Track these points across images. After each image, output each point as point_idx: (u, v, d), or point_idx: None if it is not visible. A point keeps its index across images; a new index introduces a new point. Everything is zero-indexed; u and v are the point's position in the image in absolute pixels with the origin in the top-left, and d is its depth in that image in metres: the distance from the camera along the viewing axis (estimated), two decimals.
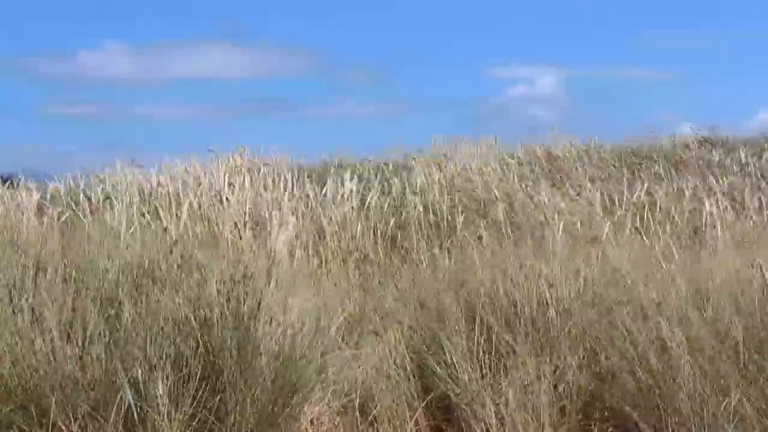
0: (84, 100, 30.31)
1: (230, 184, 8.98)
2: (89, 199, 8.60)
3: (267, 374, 4.67)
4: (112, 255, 5.41)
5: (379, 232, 8.52)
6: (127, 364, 4.58)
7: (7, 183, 9.64)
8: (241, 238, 6.53)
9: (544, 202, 8.83)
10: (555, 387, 4.82)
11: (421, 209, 9.10)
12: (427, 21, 28.21)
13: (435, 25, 28.63)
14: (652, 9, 28.05)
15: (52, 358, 4.65)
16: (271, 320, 4.80)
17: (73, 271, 5.29)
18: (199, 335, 4.75)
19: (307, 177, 10.48)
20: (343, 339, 5.39)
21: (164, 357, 4.57)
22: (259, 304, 4.80)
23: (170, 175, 10.25)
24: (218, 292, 4.83)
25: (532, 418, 4.65)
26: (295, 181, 9.76)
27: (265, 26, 29.64)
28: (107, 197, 8.70)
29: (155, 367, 4.52)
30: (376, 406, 5.00)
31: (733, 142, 13.76)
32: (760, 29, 25.78)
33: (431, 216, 8.93)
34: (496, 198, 9.50)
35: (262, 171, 10.53)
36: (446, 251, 7.37)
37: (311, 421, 4.90)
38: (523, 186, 9.99)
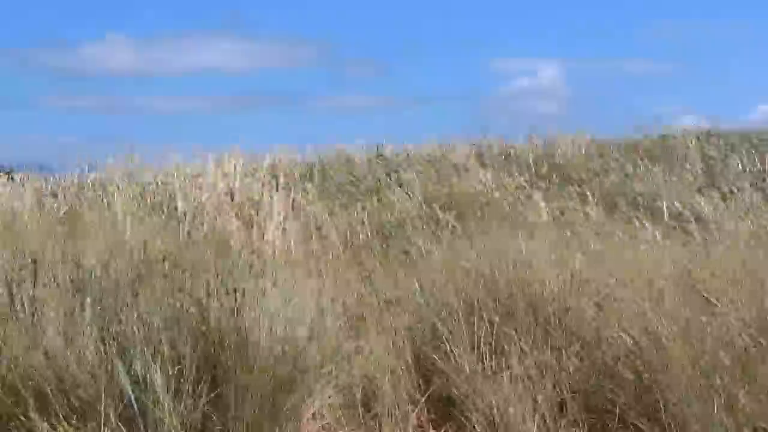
0: (86, 92, 30.33)
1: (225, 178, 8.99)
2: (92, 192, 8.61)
3: (265, 365, 4.69)
4: (112, 249, 5.42)
5: (372, 225, 8.55)
6: (125, 357, 4.60)
7: (8, 175, 9.63)
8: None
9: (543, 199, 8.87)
10: (555, 381, 4.84)
11: (417, 204, 9.14)
12: (430, 13, 28.24)
13: (437, 17, 28.65)
14: (655, 0, 28.11)
15: (51, 352, 4.67)
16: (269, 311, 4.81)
17: (73, 266, 5.31)
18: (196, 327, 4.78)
19: (307, 171, 10.52)
20: (343, 331, 5.40)
21: (162, 349, 4.59)
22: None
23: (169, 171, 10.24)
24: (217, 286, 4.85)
25: (532, 411, 4.67)
26: (293, 175, 9.79)
27: (267, 18, 29.66)
28: (106, 190, 8.71)
29: (153, 358, 4.53)
30: (378, 399, 5.02)
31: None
32: (762, 21, 25.85)
33: (426, 211, 8.96)
34: (494, 195, 9.55)
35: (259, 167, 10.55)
36: (441, 245, 7.40)
37: (313, 415, 4.91)
38: (522, 182, 10.03)
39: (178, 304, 4.81)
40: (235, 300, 4.75)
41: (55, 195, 8.62)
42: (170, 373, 4.47)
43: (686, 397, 4.36)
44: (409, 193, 9.77)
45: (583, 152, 12.33)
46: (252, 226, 7.67)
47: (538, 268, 5.57)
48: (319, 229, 8.24)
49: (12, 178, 9.68)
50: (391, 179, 10.80)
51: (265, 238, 7.32)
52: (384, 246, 8.15)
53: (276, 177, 9.65)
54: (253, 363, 4.63)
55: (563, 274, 5.51)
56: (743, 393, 4.25)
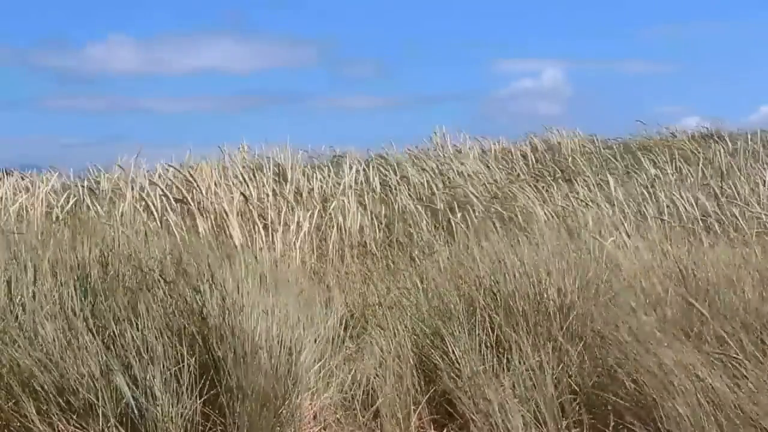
0: (89, 93, 30.39)
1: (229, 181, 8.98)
2: (93, 193, 8.61)
3: (263, 366, 4.69)
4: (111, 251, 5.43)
5: (377, 225, 8.54)
6: (124, 359, 4.60)
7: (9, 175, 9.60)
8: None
9: (543, 197, 8.86)
10: (557, 381, 4.84)
11: (420, 202, 9.14)
12: (431, 13, 28.27)
13: (439, 17, 28.67)
14: (657, 1, 28.13)
15: (50, 353, 4.68)
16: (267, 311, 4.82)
17: (74, 266, 5.31)
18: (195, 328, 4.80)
19: (308, 169, 10.51)
20: (346, 331, 5.41)
21: (160, 350, 4.59)
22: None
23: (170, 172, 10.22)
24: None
25: (534, 412, 4.66)
26: (295, 174, 9.78)
27: (268, 18, 29.73)
28: (109, 192, 8.71)
29: (152, 360, 4.54)
30: (379, 400, 5.01)
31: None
32: (763, 22, 25.87)
33: (429, 210, 8.95)
34: (495, 192, 9.54)
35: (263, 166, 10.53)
36: (446, 245, 7.41)
37: (314, 415, 4.92)
38: (523, 180, 10.02)
39: (176, 306, 4.82)
40: (233, 300, 4.76)
41: (55, 195, 8.62)
42: (169, 374, 4.48)
43: (681, 412, 4.32)
44: (412, 193, 9.77)
45: None
46: (255, 227, 7.66)
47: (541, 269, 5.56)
48: (320, 229, 8.23)
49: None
50: (394, 179, 10.80)
51: (268, 238, 7.31)
52: (387, 245, 8.16)
53: (279, 176, 9.66)
54: (250, 364, 4.64)
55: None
56: (739, 395, 4.22)
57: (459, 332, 5.12)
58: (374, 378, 5.10)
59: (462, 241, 6.96)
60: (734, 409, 4.10)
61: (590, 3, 29.25)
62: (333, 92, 30.45)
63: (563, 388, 4.82)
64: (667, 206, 8.33)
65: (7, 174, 9.75)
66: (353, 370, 5.14)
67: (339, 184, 9.45)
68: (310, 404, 4.89)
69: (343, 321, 5.39)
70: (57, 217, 7.64)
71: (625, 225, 7.35)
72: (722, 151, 11.67)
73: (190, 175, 7.83)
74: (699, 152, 12.01)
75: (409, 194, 9.43)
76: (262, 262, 5.36)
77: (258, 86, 30.17)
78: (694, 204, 8.32)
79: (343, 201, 8.64)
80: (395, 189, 9.73)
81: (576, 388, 4.93)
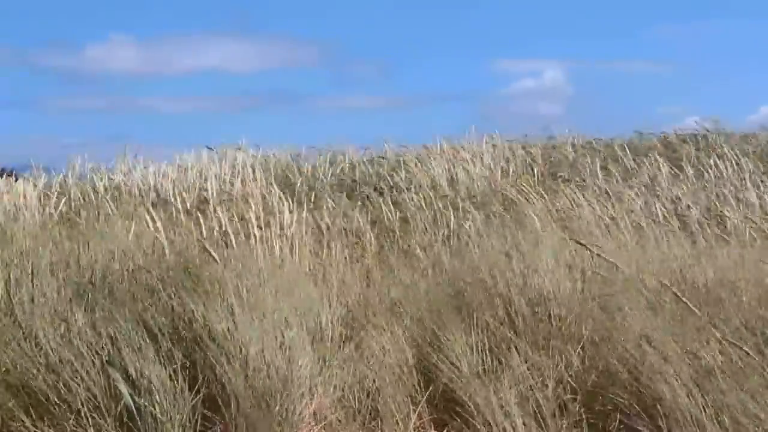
0: (91, 93, 30.37)
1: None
2: (95, 192, 8.61)
3: (259, 366, 4.67)
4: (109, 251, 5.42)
5: (378, 225, 8.54)
6: (121, 359, 4.59)
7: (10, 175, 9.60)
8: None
9: (544, 197, 8.86)
10: (558, 381, 4.82)
11: (421, 203, 9.14)
12: (433, 13, 28.26)
13: (441, 17, 28.66)
14: (657, 1, 28.14)
15: (48, 353, 4.67)
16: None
17: (70, 267, 5.30)
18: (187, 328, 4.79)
19: (311, 169, 10.54)
20: (345, 331, 5.39)
21: (157, 350, 4.58)
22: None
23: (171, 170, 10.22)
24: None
25: (534, 412, 4.64)
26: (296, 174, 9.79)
27: (270, 18, 29.71)
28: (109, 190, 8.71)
29: (149, 360, 4.52)
30: (379, 399, 5.00)
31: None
32: (763, 22, 25.87)
33: (430, 210, 8.95)
34: (495, 192, 9.55)
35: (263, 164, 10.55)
36: (446, 245, 7.40)
37: (314, 414, 4.90)
38: (524, 180, 10.02)
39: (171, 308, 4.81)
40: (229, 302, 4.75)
41: (54, 195, 8.61)
42: (166, 374, 4.47)
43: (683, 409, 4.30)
44: (414, 192, 9.77)
45: None
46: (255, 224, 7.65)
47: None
48: (320, 228, 8.22)
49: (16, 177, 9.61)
50: (395, 179, 10.81)
51: (268, 237, 7.30)
52: (388, 245, 8.15)
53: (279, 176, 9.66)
54: (247, 365, 4.62)
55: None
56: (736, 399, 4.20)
57: (457, 333, 5.10)
58: (374, 378, 5.08)
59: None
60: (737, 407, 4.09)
61: (590, 3, 29.27)
62: (334, 92, 30.48)
63: (563, 388, 4.81)
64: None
65: (11, 175, 9.76)
66: (353, 370, 5.12)
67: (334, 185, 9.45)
68: (309, 404, 4.87)
69: (343, 321, 5.38)
70: (57, 218, 7.63)
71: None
72: None
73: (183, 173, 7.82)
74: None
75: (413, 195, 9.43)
76: (259, 262, 5.35)
77: (259, 86, 30.19)
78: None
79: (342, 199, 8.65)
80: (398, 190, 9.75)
81: (576, 386, 4.92)
